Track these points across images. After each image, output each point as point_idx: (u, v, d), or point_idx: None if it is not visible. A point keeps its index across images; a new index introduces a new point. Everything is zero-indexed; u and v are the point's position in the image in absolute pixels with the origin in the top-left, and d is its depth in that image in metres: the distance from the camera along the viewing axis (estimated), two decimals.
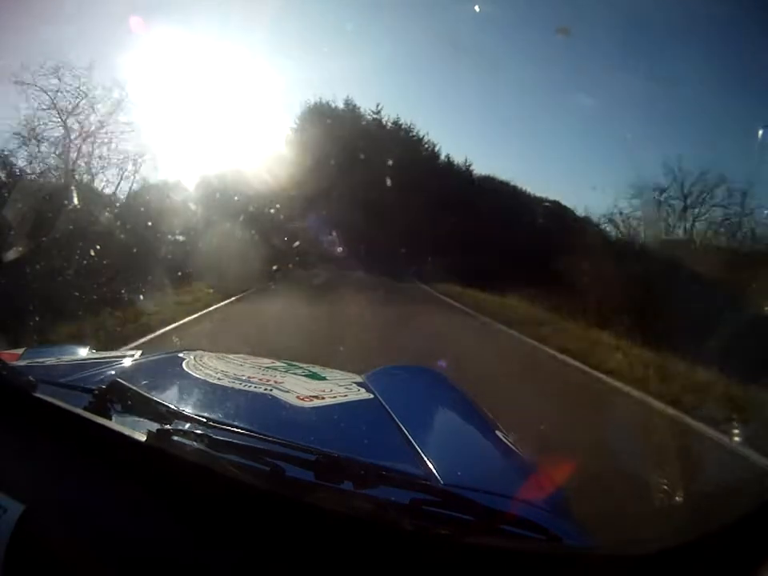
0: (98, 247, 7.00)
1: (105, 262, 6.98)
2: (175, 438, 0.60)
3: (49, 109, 10.37)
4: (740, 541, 0.41)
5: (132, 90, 12.52)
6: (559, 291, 10.09)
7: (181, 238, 9.19)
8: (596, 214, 17.28)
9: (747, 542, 0.41)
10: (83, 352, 1.20)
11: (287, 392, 0.93)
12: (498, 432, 1.02)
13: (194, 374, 1.01)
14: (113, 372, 0.99)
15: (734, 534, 0.42)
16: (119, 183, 11.66)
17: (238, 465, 0.57)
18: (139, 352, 1.23)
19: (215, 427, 0.62)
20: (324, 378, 1.13)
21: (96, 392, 0.69)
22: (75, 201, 7.91)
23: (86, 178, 10.88)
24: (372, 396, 1.02)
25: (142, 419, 0.63)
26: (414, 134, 23.56)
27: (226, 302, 8.67)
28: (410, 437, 0.82)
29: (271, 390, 0.93)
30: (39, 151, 9.90)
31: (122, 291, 6.84)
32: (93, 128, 10.89)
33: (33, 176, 9.28)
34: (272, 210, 12.81)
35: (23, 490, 0.52)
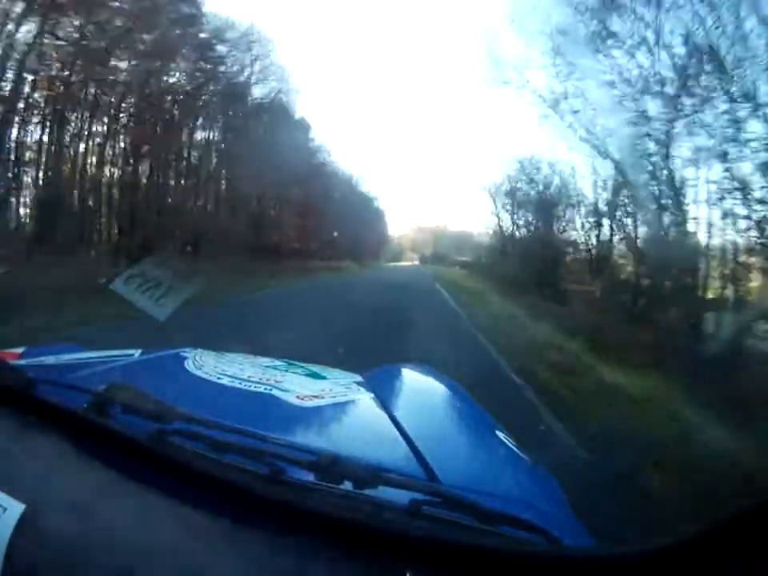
0: None
1: None
2: (175, 438, 0.60)
3: None
4: (741, 539, 0.41)
5: None
6: None
7: None
8: None
9: (748, 540, 0.40)
10: (83, 351, 1.20)
11: (287, 391, 0.93)
12: (498, 432, 1.02)
13: (195, 373, 1.01)
14: (113, 371, 0.99)
15: (734, 533, 0.42)
16: None
17: (237, 465, 0.57)
18: (140, 351, 1.23)
19: (215, 427, 0.62)
20: (324, 378, 1.13)
21: (96, 391, 0.68)
22: None
23: None
24: (372, 395, 1.02)
25: (142, 419, 0.63)
26: None
27: None
28: (410, 436, 0.82)
29: (271, 389, 0.93)
30: None
31: None
32: None
33: None
34: None
35: (23, 490, 0.52)
